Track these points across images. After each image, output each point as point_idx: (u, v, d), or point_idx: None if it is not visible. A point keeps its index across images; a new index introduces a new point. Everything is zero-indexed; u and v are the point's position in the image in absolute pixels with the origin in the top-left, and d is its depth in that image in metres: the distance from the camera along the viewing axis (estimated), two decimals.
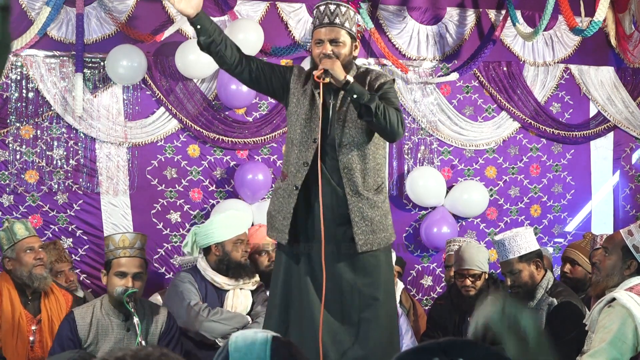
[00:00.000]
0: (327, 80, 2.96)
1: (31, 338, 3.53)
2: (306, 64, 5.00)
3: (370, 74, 3.15)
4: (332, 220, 3.07)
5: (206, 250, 3.91)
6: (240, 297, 3.84)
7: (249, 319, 3.79)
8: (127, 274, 3.29)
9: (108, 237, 3.45)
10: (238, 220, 4.01)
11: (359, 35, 5.12)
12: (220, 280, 3.83)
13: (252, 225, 4.96)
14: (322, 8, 3.09)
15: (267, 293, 4.10)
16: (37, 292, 3.62)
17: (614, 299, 2.89)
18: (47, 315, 3.58)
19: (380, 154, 3.18)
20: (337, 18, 3.07)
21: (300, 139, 3.09)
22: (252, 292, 3.92)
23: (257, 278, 3.97)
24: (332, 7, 3.08)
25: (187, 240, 3.98)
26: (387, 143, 3.36)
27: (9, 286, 3.58)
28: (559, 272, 5.23)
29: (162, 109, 4.99)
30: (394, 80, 3.23)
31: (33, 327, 3.54)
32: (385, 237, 3.16)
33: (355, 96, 2.93)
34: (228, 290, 3.84)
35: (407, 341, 3.85)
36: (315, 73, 3.00)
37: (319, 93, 3.08)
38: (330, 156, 3.08)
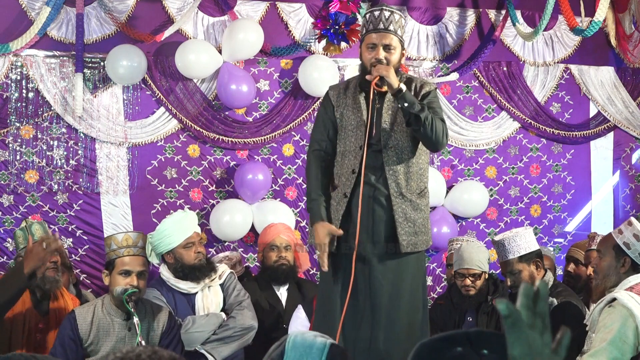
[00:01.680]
0: (385, 88, 3.01)
1: (37, 337, 3.53)
2: (306, 64, 5.01)
3: (415, 82, 3.19)
4: (373, 222, 3.10)
5: (164, 259, 3.81)
6: (209, 296, 3.77)
7: (223, 315, 3.72)
8: (131, 272, 3.30)
9: (110, 236, 3.44)
10: (183, 222, 3.81)
11: (359, 35, 5.13)
12: (185, 286, 3.74)
13: (252, 224, 4.99)
14: (376, 13, 3.12)
15: (242, 282, 4.07)
16: (46, 292, 3.62)
17: (614, 299, 2.89)
18: (55, 316, 3.57)
19: (423, 159, 3.20)
20: (392, 25, 3.11)
21: (350, 148, 3.14)
22: (222, 285, 3.83)
23: (222, 269, 3.86)
24: (387, 13, 3.12)
25: (147, 250, 3.78)
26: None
27: None
28: (560, 272, 5.25)
29: (162, 109, 5.00)
30: (436, 88, 3.26)
31: (40, 327, 3.54)
32: (426, 240, 3.20)
33: (406, 104, 2.97)
34: (196, 293, 3.76)
35: None
36: (370, 79, 3.03)
37: (365, 97, 3.13)
38: (375, 159, 3.11)
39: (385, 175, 3.09)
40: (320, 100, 3.41)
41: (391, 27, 3.11)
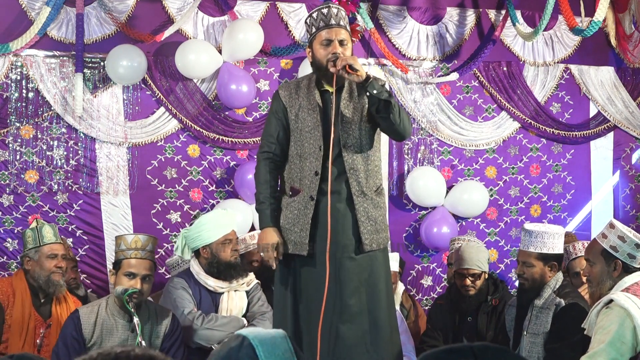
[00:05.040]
0: (360, 73, 2.98)
1: (38, 341, 3.53)
2: (306, 64, 5.01)
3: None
4: (338, 222, 3.09)
5: (197, 253, 3.85)
6: (235, 299, 3.80)
7: (245, 321, 3.75)
8: (136, 275, 3.30)
9: (120, 236, 3.45)
10: (224, 219, 3.90)
11: (358, 35, 5.14)
12: (214, 283, 3.77)
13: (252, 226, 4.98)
14: (324, 11, 3.12)
15: (274, 291, 4.08)
16: (49, 296, 3.62)
17: (611, 300, 2.89)
18: (57, 320, 3.57)
19: (377, 156, 3.23)
20: (341, 20, 3.12)
21: (309, 149, 3.13)
22: (247, 292, 3.87)
23: (251, 277, 3.91)
24: (335, 10, 3.13)
25: (178, 245, 3.89)
26: (380, 146, 3.38)
27: (23, 287, 3.58)
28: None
29: (162, 109, 5.00)
30: (386, 82, 3.29)
31: (42, 331, 3.54)
32: (386, 237, 3.22)
33: (375, 92, 2.97)
34: (222, 293, 3.78)
35: (401, 335, 3.84)
36: (335, 70, 3.00)
37: (320, 97, 3.12)
38: (336, 159, 3.11)
39: (347, 174, 3.10)
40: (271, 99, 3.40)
41: (341, 23, 3.12)
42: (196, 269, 3.81)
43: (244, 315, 3.81)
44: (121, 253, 3.37)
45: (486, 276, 4.14)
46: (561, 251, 3.63)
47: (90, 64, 4.85)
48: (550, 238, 3.57)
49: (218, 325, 3.63)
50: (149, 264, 3.37)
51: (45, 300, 3.62)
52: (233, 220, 3.95)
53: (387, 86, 3.24)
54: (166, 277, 4.95)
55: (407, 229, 5.51)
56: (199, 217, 3.88)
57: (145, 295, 3.37)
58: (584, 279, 3.86)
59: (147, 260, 3.37)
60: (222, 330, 3.63)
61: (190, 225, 4.36)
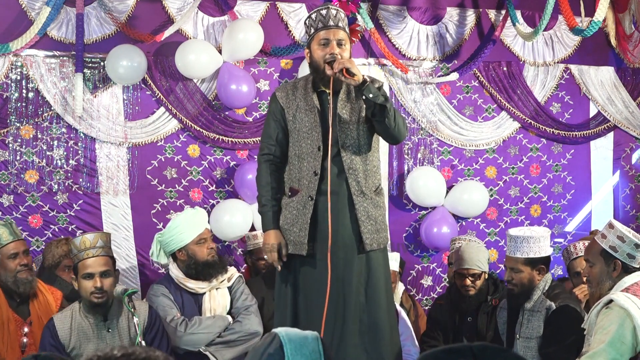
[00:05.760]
0: (357, 78, 2.98)
1: (24, 340, 3.51)
2: (306, 64, 5.01)
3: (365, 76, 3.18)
4: (338, 222, 3.10)
5: (173, 257, 3.82)
6: (217, 297, 3.77)
7: (230, 319, 3.73)
8: (93, 274, 3.28)
9: (72, 242, 3.42)
10: (196, 219, 3.85)
11: (358, 35, 5.14)
12: (194, 285, 3.74)
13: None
14: (323, 12, 3.12)
15: (252, 287, 4.05)
16: (24, 295, 3.60)
17: (611, 301, 2.89)
18: (37, 316, 3.55)
19: (376, 156, 3.24)
20: (340, 22, 3.12)
21: (307, 150, 3.13)
22: (230, 288, 3.84)
23: (232, 272, 3.87)
24: (334, 11, 3.13)
25: (153, 250, 3.85)
26: (379, 146, 3.38)
27: None
28: (560, 272, 5.25)
29: (162, 109, 5.00)
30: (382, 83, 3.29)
31: (25, 330, 3.52)
32: (386, 236, 3.23)
33: (371, 95, 2.97)
34: (204, 294, 3.76)
35: (407, 342, 3.84)
36: (332, 73, 3.00)
37: (318, 98, 3.12)
38: (335, 159, 3.11)
39: (346, 174, 3.10)
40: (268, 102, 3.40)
41: (340, 24, 3.12)
42: (175, 272, 3.78)
43: (229, 312, 3.79)
44: (75, 257, 3.35)
45: (486, 276, 4.14)
46: (548, 253, 3.61)
47: (90, 64, 4.85)
48: (536, 242, 3.55)
49: (202, 328, 3.61)
50: (105, 259, 3.34)
51: (21, 299, 3.59)
52: (205, 218, 3.92)
53: (385, 87, 3.24)
54: None
55: (407, 229, 5.51)
56: (170, 219, 3.84)
57: (109, 290, 3.31)
58: (585, 278, 3.86)
59: (101, 257, 3.33)
60: (207, 332, 3.61)
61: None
